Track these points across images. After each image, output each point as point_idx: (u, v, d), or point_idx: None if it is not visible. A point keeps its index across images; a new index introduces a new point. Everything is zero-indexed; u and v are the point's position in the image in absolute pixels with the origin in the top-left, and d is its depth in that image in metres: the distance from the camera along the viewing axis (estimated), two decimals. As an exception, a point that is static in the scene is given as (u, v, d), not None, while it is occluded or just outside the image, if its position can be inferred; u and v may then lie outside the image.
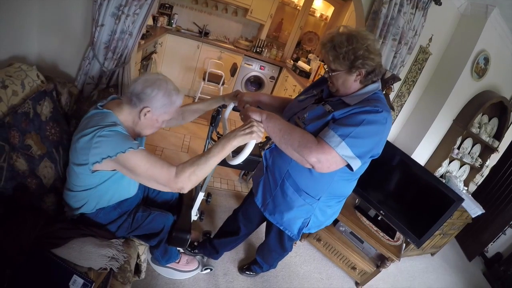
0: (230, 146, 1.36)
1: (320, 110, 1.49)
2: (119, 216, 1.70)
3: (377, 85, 1.51)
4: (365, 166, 1.57)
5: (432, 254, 4.27)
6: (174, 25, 5.40)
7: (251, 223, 2.19)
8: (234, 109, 1.87)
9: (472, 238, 4.77)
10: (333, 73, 1.46)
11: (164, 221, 1.82)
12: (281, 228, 1.82)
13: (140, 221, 1.75)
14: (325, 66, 1.53)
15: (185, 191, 1.37)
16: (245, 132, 1.35)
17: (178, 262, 2.24)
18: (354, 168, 1.42)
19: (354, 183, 1.73)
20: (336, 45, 1.40)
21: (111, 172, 1.48)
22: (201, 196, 2.11)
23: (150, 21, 4.80)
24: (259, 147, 2.83)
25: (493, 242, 4.76)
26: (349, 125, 1.34)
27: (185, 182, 1.34)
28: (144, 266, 1.97)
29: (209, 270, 2.40)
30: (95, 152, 1.34)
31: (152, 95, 1.46)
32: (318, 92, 1.68)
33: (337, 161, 1.38)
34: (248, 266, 2.54)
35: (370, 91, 1.48)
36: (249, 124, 1.37)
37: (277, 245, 2.12)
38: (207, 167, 1.36)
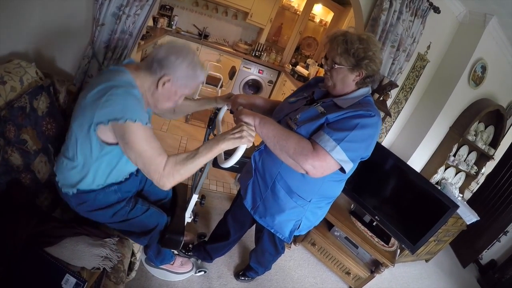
0: (218, 149, 1.34)
1: (313, 112, 1.50)
2: (118, 201, 1.62)
3: (368, 89, 1.57)
4: (354, 167, 1.58)
5: (427, 261, 4.27)
6: (174, 27, 5.42)
7: (241, 226, 2.18)
8: (231, 111, 1.87)
9: (466, 245, 4.77)
10: (336, 66, 1.48)
11: (158, 219, 1.78)
12: (272, 231, 1.81)
13: (138, 213, 1.69)
14: (328, 60, 1.54)
15: (165, 189, 1.33)
16: (235, 136, 1.34)
17: (172, 264, 2.23)
18: (347, 171, 1.44)
19: (343, 184, 1.75)
20: (348, 40, 1.43)
21: (111, 147, 1.40)
22: (195, 198, 2.11)
23: (150, 22, 4.81)
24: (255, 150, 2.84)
25: (488, 249, 4.77)
26: (344, 129, 1.37)
27: (169, 181, 1.30)
28: (136, 265, 1.94)
29: (203, 273, 2.40)
30: (104, 111, 1.25)
31: (175, 64, 1.37)
32: (309, 94, 1.69)
33: (331, 167, 1.41)
34: (243, 272, 2.52)
35: (362, 95, 1.53)
36: (239, 129, 1.37)
37: (270, 246, 2.11)
38: (193, 167, 1.32)
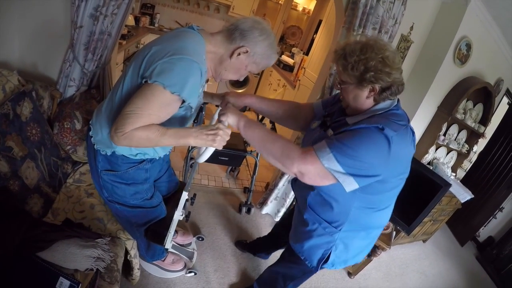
0: (185, 142, 1.29)
1: (323, 136, 1.40)
2: (144, 180, 1.59)
3: (389, 103, 1.36)
4: (387, 194, 1.49)
5: (424, 241, 4.31)
6: (156, 25, 5.39)
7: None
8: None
9: (463, 224, 4.82)
10: (342, 85, 1.35)
11: (159, 213, 1.75)
12: (302, 258, 1.68)
13: (155, 202, 1.68)
14: (337, 78, 1.40)
15: (113, 143, 1.23)
16: (208, 138, 1.28)
17: (163, 261, 2.22)
18: (347, 189, 1.27)
19: (382, 214, 1.55)
20: (347, 54, 1.27)
21: None
22: (185, 195, 2.10)
23: (132, 22, 4.78)
24: (244, 142, 2.84)
25: (484, 227, 4.82)
26: (342, 139, 1.24)
27: (124, 142, 1.20)
28: (135, 262, 1.89)
29: (193, 274, 2.34)
30: (157, 69, 1.17)
31: (258, 39, 1.34)
32: (329, 113, 1.61)
33: (320, 173, 1.26)
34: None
35: (379, 110, 1.34)
36: (215, 131, 1.29)
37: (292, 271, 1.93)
38: (154, 144, 1.25)
